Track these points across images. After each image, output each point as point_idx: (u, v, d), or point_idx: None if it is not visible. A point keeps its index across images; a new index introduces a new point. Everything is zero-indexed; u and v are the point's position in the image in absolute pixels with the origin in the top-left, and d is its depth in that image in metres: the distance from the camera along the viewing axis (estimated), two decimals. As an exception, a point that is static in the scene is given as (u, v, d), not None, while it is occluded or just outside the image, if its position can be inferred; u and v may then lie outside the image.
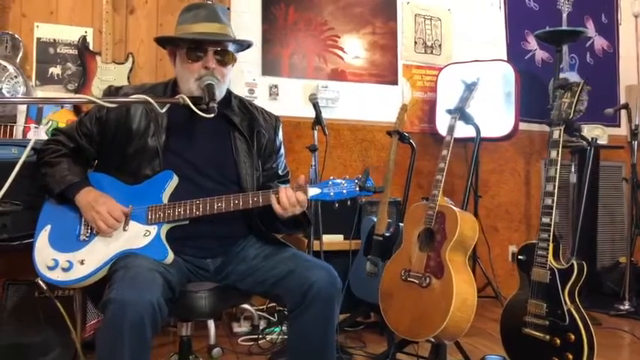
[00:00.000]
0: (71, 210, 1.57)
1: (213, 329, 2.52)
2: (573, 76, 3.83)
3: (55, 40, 2.83)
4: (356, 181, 1.50)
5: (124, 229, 1.53)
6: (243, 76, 3.16)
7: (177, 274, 1.54)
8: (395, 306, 2.22)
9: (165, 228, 1.55)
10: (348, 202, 1.53)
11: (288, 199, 1.50)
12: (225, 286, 1.66)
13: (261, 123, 1.76)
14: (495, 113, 3.23)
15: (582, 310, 1.76)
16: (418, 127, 3.52)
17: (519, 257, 1.92)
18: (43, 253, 1.53)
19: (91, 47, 2.82)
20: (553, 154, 1.85)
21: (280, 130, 1.83)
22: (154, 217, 1.54)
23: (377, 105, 3.41)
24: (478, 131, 2.31)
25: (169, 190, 1.57)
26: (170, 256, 1.51)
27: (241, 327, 2.80)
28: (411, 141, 2.72)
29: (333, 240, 2.87)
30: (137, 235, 1.53)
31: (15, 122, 2.60)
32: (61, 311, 1.68)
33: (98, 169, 1.67)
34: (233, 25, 3.08)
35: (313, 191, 1.50)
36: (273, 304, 3.08)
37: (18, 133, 2.58)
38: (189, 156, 1.63)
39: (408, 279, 2.16)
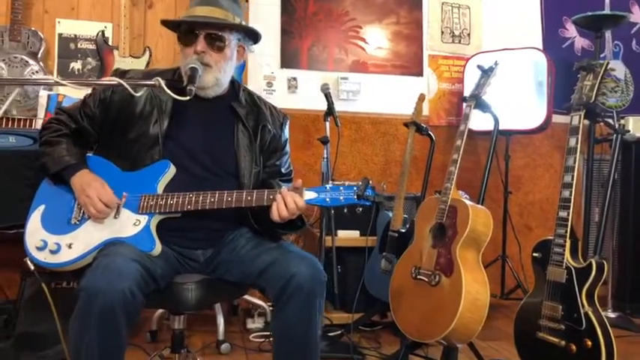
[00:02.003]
0: (67, 192, 1.54)
1: (222, 324, 2.48)
2: (617, 65, 3.57)
3: (75, 35, 2.88)
4: (355, 189, 1.42)
5: (115, 217, 1.50)
6: (262, 69, 3.12)
7: (165, 266, 1.50)
8: (404, 305, 2.11)
9: (156, 219, 1.50)
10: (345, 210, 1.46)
11: (288, 208, 1.42)
12: (215, 278, 1.61)
13: (267, 118, 1.70)
14: (526, 104, 3.04)
15: (602, 314, 1.59)
16: (445, 120, 3.37)
17: (534, 254, 1.77)
18: (34, 232, 1.51)
19: (110, 42, 2.85)
20: (572, 141, 1.69)
21: (287, 127, 1.77)
22: (145, 206, 1.49)
23: (400, 97, 3.27)
24: (496, 120, 2.16)
25: (165, 180, 1.53)
26: (157, 249, 1.46)
27: (255, 323, 2.75)
28: (430, 132, 2.58)
29: (348, 236, 2.78)
30: (127, 224, 1.49)
31: (36, 116, 2.66)
32: (47, 298, 1.67)
33: (98, 153, 1.64)
34: (251, 16, 3.11)
35: (309, 195, 1.42)
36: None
37: (38, 125, 2.63)
38: (189, 146, 1.59)
39: (418, 277, 2.05)
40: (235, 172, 1.62)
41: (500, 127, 3.02)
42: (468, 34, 3.42)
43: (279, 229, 1.57)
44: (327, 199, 1.42)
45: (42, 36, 2.76)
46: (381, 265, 2.52)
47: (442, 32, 3.39)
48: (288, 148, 1.77)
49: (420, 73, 3.34)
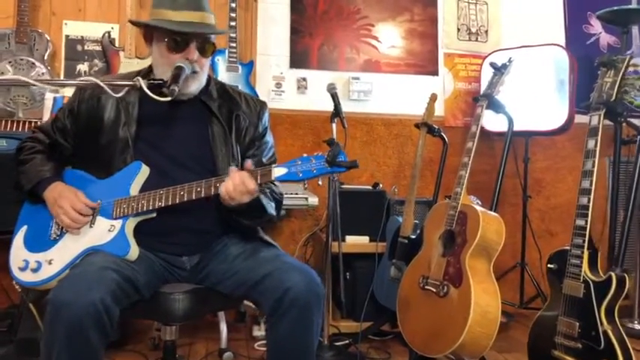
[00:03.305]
0: (46, 208, 1.51)
1: (225, 332, 2.41)
2: (644, 62, 3.38)
3: (82, 37, 2.85)
4: (325, 157, 1.29)
5: (91, 226, 1.45)
6: (271, 70, 3.04)
7: (149, 274, 1.44)
8: (412, 317, 2.00)
9: (131, 222, 1.44)
10: (319, 182, 1.34)
11: (233, 187, 1.33)
12: (206, 288, 1.53)
13: (241, 107, 1.64)
14: (546, 104, 2.88)
15: (622, 333, 1.45)
16: (461, 121, 3.23)
17: (549, 266, 1.64)
18: (17, 253, 1.49)
19: (116, 43, 2.81)
20: (591, 143, 1.56)
21: (266, 115, 1.68)
22: (119, 211, 1.44)
23: (414, 97, 3.14)
24: (510, 121, 2.03)
25: (139, 182, 1.47)
26: (132, 252, 1.40)
27: (261, 330, 2.67)
28: (442, 134, 2.47)
29: (357, 242, 2.68)
30: (102, 231, 1.44)
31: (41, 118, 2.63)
32: (35, 316, 1.63)
33: (76, 165, 1.60)
34: (261, 16, 3.04)
35: (279, 171, 1.31)
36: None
37: (43, 128, 2.61)
38: (163, 146, 1.53)
39: (426, 287, 1.94)
40: (213, 168, 1.54)
41: (519, 128, 2.92)
42: (486, 31, 3.28)
43: (241, 218, 1.48)
44: (299, 173, 1.30)
45: (48, 38, 2.74)
46: (391, 273, 2.42)
47: (458, 29, 3.25)
48: (269, 137, 1.68)
49: (435, 72, 3.21)
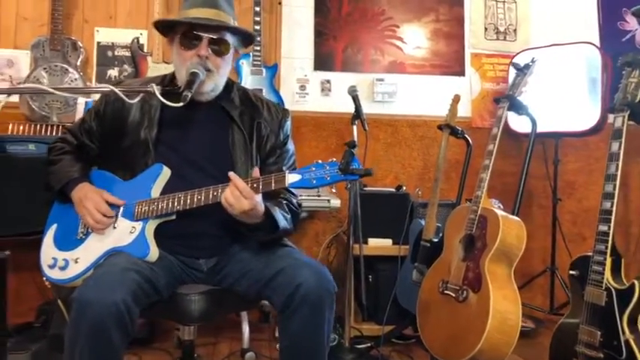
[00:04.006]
0: (74, 208, 1.55)
1: (247, 332, 2.44)
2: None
3: (113, 43, 2.94)
4: (339, 164, 1.28)
5: (114, 227, 1.49)
6: (295, 72, 3.05)
7: (167, 275, 1.47)
8: (431, 321, 1.98)
9: (151, 224, 1.48)
10: (333, 189, 1.34)
11: (231, 192, 1.34)
12: (222, 289, 1.55)
13: (263, 115, 1.64)
14: (577, 104, 2.80)
15: (646, 343, 1.40)
16: (489, 122, 3.16)
17: (571, 272, 1.59)
18: (47, 251, 1.55)
19: (145, 48, 2.89)
20: (614, 146, 1.50)
21: (288, 123, 1.68)
22: (140, 212, 1.48)
23: (440, 98, 3.08)
24: (534, 123, 1.98)
25: (160, 184, 1.50)
26: (152, 254, 1.43)
27: (284, 332, 2.68)
28: (466, 135, 2.43)
29: (380, 244, 2.67)
30: (124, 232, 1.48)
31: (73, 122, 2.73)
32: (64, 312, 1.68)
33: (101, 165, 1.65)
34: (285, 19, 3.06)
35: (293, 178, 1.30)
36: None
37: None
38: (182, 149, 1.56)
39: (445, 291, 1.91)
40: None
41: (549, 129, 2.85)
42: (514, 30, 3.21)
43: (256, 233, 1.47)
44: (313, 180, 1.29)
45: (80, 45, 2.83)
46: (413, 277, 2.40)
47: (485, 29, 3.19)
48: (290, 145, 1.68)
49: (461, 73, 3.16)
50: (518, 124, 2.88)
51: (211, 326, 2.77)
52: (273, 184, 1.34)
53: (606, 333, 1.44)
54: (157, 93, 1.30)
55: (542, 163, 3.07)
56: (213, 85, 1.53)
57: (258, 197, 1.38)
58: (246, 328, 2.43)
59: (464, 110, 3.14)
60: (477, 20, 3.19)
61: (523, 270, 3.20)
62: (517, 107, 1.90)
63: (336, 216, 3.01)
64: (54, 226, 1.58)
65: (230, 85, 1.64)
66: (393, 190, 2.78)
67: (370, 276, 2.70)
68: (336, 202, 2.65)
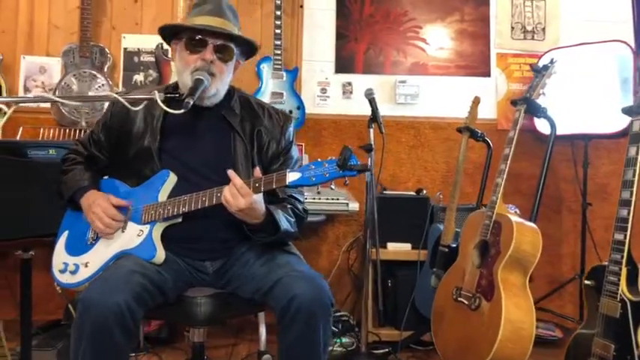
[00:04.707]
0: (84, 215, 1.61)
1: (264, 334, 2.45)
2: None
3: (139, 49, 3.02)
4: (337, 161, 1.29)
5: (123, 231, 1.53)
6: (315, 75, 3.06)
7: (174, 277, 1.50)
8: (445, 328, 1.94)
9: (158, 227, 1.51)
10: (332, 186, 1.33)
11: (229, 190, 1.36)
12: (227, 293, 1.57)
13: (263, 122, 1.65)
14: (608, 104, 2.68)
15: (662, 359, 1.32)
16: (515, 124, 3.07)
17: (586, 282, 1.53)
18: (58, 257, 1.61)
19: (169, 54, 2.95)
20: (632, 151, 1.44)
21: (290, 129, 1.68)
22: (147, 216, 1.51)
23: (464, 100, 2.98)
24: (553, 125, 1.92)
25: (167, 189, 1.53)
26: (158, 256, 1.46)
27: (303, 335, 2.69)
28: (486, 138, 2.37)
29: (399, 249, 2.64)
30: (132, 236, 1.52)
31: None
32: (74, 315, 1.73)
33: (111, 174, 1.70)
34: (306, 22, 3.06)
35: (293, 176, 1.31)
36: (340, 313, 2.94)
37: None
38: (185, 157, 1.58)
39: (458, 299, 1.87)
40: None
41: (578, 131, 2.75)
42: (543, 29, 3.11)
43: (258, 234, 1.49)
44: (312, 178, 1.30)
45: (108, 51, 2.93)
46: (431, 282, 2.36)
47: (512, 28, 3.11)
48: (294, 152, 1.68)
49: (486, 74, 3.09)
50: (545, 126, 2.79)
51: (233, 327, 2.80)
52: (274, 183, 1.35)
53: (620, 346, 1.37)
54: (159, 100, 1.32)
55: (571, 165, 2.97)
56: (214, 91, 1.55)
57: (258, 197, 1.39)
58: (263, 330, 2.45)
59: (489, 112, 3.07)
60: (503, 19, 3.11)
61: (552, 276, 3.10)
62: (534, 110, 1.84)
63: (358, 220, 3.00)
64: (66, 233, 1.64)
65: (231, 92, 1.65)
66: (413, 193, 2.75)
67: (390, 281, 2.67)
68: (354, 206, 2.64)
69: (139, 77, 3.01)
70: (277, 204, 1.56)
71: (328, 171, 1.29)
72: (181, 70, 1.56)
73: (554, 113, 2.70)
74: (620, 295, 1.40)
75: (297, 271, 1.42)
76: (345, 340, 2.65)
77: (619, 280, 1.40)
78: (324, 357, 1.40)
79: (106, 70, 2.92)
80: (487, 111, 3.04)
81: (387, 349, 2.47)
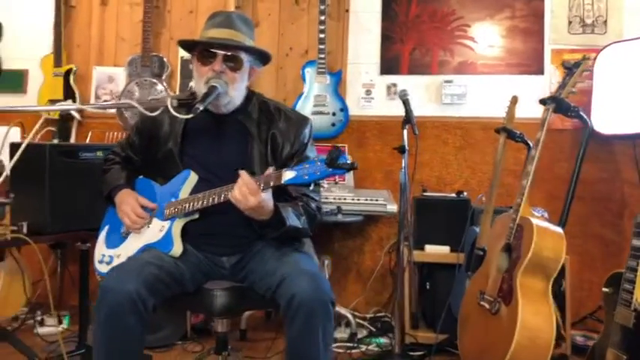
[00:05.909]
0: None
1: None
2: None
3: (194, 57, 3.21)
4: (325, 159, 1.33)
5: (148, 226, 1.68)
6: (361, 77, 3.09)
7: (192, 270, 1.62)
8: (468, 332, 1.91)
9: (178, 222, 1.63)
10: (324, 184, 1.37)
11: (238, 189, 1.42)
12: (244, 287, 1.66)
13: (278, 125, 1.71)
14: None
15: (675, 374, 1.23)
16: (570, 123, 2.90)
17: (605, 290, 1.45)
18: (98, 249, 1.79)
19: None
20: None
21: (305, 131, 1.72)
22: (169, 212, 1.65)
23: (516, 99, 2.94)
24: (586, 124, 1.82)
25: (188, 188, 1.66)
26: (175, 249, 1.59)
27: (340, 333, 2.74)
28: (526, 139, 2.27)
29: (437, 251, 2.61)
30: (155, 231, 1.66)
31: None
32: None
33: (146, 174, 1.85)
34: (352, 25, 3.10)
35: (289, 175, 1.37)
36: (381, 313, 2.95)
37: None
38: (205, 160, 1.69)
39: (481, 302, 1.83)
40: None
41: (637, 131, 2.56)
42: (604, 22, 2.92)
43: (266, 230, 1.56)
44: (305, 176, 1.35)
45: (166, 60, 3.15)
46: (466, 286, 2.31)
47: (570, 22, 2.95)
48: (310, 152, 1.70)
49: (539, 71, 2.95)
50: (605, 125, 2.64)
51: (274, 322, 2.90)
52: (272, 182, 1.41)
53: (632, 358, 1.29)
54: (170, 107, 1.44)
55: (634, 167, 2.77)
56: (228, 99, 1.64)
57: (267, 195, 1.46)
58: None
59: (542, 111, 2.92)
60: (559, 13, 2.96)
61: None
62: (564, 109, 1.75)
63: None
64: (106, 227, 1.82)
65: (250, 97, 1.74)
66: (454, 195, 2.70)
67: (428, 283, 2.65)
68: (392, 207, 2.65)
69: (193, 84, 3.20)
70: (290, 202, 1.62)
71: (319, 169, 1.34)
72: (197, 79, 1.67)
73: (617, 110, 2.54)
74: (634, 305, 1.31)
75: (299, 269, 1.47)
76: (382, 340, 2.66)
77: (634, 288, 1.31)
78: (325, 354, 1.43)
79: (164, 77, 3.15)
80: (540, 110, 2.90)
81: (422, 352, 2.45)
